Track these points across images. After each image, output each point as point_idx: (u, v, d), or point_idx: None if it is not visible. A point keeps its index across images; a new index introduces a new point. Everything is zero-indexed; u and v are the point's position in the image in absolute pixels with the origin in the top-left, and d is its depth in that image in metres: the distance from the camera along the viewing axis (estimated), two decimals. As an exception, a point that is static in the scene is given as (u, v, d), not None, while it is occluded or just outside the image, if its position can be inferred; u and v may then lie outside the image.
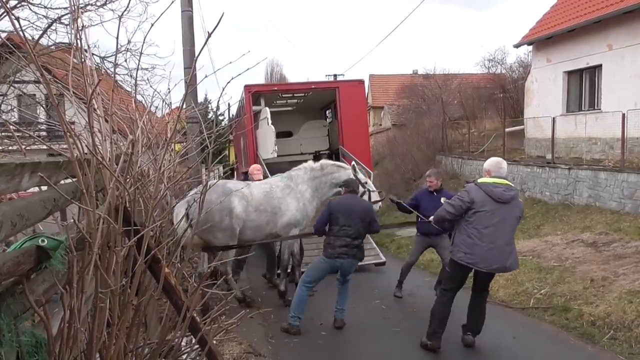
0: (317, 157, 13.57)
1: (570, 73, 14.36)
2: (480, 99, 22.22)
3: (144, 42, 3.53)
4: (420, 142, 20.94)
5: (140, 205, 2.81)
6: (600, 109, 13.05)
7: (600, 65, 13.03)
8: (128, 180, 2.65)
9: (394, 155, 21.69)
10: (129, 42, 5.71)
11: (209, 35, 2.05)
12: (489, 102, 21.94)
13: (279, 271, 7.61)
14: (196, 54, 3.38)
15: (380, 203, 6.72)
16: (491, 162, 4.83)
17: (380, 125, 31.21)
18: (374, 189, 6.77)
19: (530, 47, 16.54)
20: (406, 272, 7.02)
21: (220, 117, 29.18)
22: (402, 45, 71.70)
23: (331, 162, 6.97)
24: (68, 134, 1.86)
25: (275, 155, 10.17)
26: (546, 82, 15.13)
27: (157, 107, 3.50)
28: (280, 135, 12.16)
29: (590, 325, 5.45)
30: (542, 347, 5.06)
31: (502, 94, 21.09)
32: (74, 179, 2.14)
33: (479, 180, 4.71)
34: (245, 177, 8.33)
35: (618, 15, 11.95)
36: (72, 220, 2.12)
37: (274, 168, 10.76)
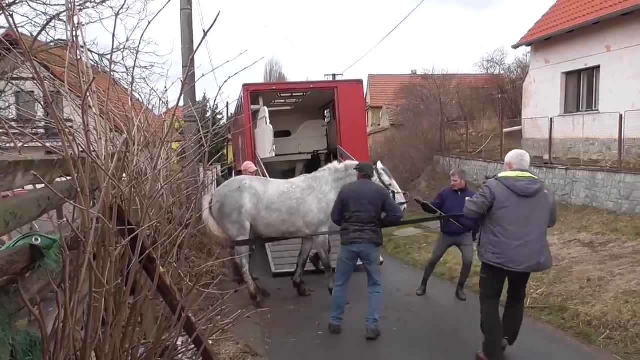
0: (315, 156, 13.59)
1: (568, 74, 14.36)
2: (478, 100, 22.21)
3: (141, 40, 3.51)
4: (419, 142, 20.95)
5: (137, 205, 2.80)
6: (598, 110, 13.06)
7: (599, 67, 13.04)
8: (124, 179, 2.63)
9: (392, 155, 21.69)
10: (127, 40, 5.68)
11: (205, 33, 2.04)
12: (487, 103, 21.93)
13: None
14: (194, 53, 3.37)
15: (405, 205, 6.65)
16: (513, 154, 4.53)
17: (379, 125, 31.20)
18: (399, 190, 6.70)
19: (529, 48, 16.55)
20: (430, 271, 7.07)
21: (219, 116, 29.16)
22: (401, 45, 71.80)
23: (356, 162, 6.94)
24: (62, 132, 1.84)
25: (274, 155, 10.17)
26: (544, 83, 15.13)
27: (154, 106, 3.48)
28: (278, 134, 12.14)
29: (586, 325, 5.45)
30: (539, 347, 5.05)
31: (500, 94, 21.09)
32: (68, 178, 2.12)
33: (500, 175, 4.40)
34: (239, 175, 8.42)
35: (616, 16, 11.96)
36: (65, 220, 2.10)
37: (271, 167, 10.76)
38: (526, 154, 4.54)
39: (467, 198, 5.66)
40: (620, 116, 11.04)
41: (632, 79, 11.79)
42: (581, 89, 14.09)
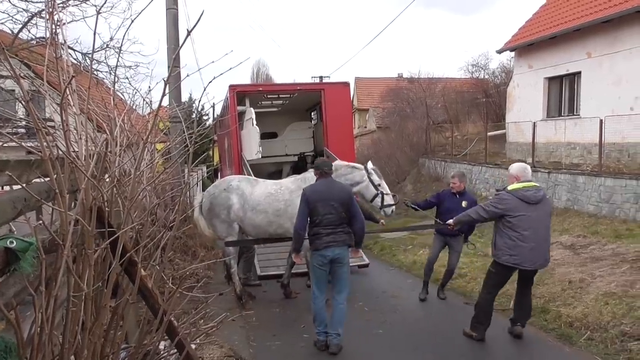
0: (301, 158, 13.56)
1: (550, 79, 14.56)
2: (463, 103, 22.41)
3: (124, 38, 3.44)
4: (404, 145, 21.04)
5: (119, 206, 2.73)
6: (579, 115, 13.25)
7: (580, 72, 13.25)
8: (107, 180, 2.57)
9: (378, 157, 21.72)
10: (111, 39, 5.59)
11: (189, 32, 1.99)
12: (472, 107, 22.14)
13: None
14: (179, 52, 3.31)
15: (394, 207, 6.52)
16: (518, 168, 5.15)
17: (365, 127, 31.30)
18: (388, 191, 6.52)
19: (513, 53, 16.72)
20: (429, 272, 6.90)
21: (205, 117, 29.00)
22: (388, 48, 72.12)
23: (345, 163, 6.76)
24: (40, 131, 1.78)
25: (260, 157, 10.09)
26: (527, 88, 15.32)
27: (137, 106, 3.41)
28: (264, 136, 12.07)
29: (568, 326, 5.50)
30: (521, 348, 5.08)
31: (485, 98, 21.30)
32: (47, 179, 2.06)
33: (510, 188, 5.00)
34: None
35: (597, 24, 12.16)
36: (41, 222, 2.04)
37: (258, 169, 10.69)
38: (528, 166, 5.23)
39: (464, 202, 5.88)
40: (601, 121, 11.21)
41: (612, 86, 11.99)
42: (563, 94, 14.30)
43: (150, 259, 3.00)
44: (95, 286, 2.19)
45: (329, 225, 4.98)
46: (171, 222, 3.41)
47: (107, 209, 2.47)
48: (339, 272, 5.11)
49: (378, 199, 6.39)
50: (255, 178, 7.08)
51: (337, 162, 6.73)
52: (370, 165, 6.64)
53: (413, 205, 6.66)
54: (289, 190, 6.53)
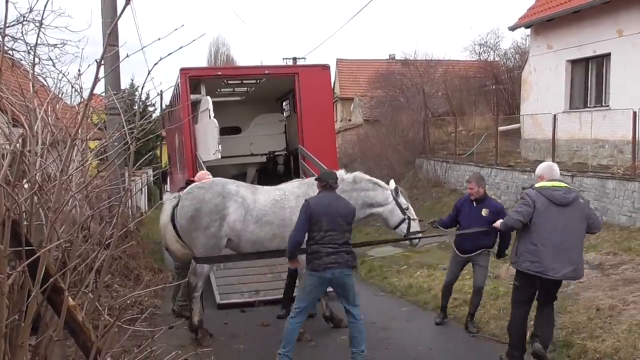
0: (271, 158, 13.59)
1: (574, 62, 14.82)
2: (469, 91, 22.74)
3: (45, 9, 3.38)
4: (398, 142, 21.23)
5: (41, 219, 2.71)
6: (608, 106, 13.49)
7: (609, 54, 13.46)
8: (25, 186, 2.54)
9: (365, 157, 21.92)
10: (30, 9, 5.51)
11: (128, 1, 1.99)
12: (480, 95, 22.48)
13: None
14: (117, 26, 3.30)
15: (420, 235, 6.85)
16: (543, 167, 5.60)
17: (350, 120, 31.50)
18: (415, 216, 6.86)
19: (529, 31, 17.04)
20: (447, 295, 7.15)
21: (150, 108, 28.84)
22: (377, 24, 72.62)
23: (367, 176, 7.06)
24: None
25: (219, 157, 10.07)
26: (546, 73, 15.60)
27: (63, 94, 3.38)
28: (225, 131, 12.05)
29: (595, 363, 5.60)
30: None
31: (495, 85, 21.64)
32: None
33: (537, 185, 5.37)
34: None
35: (630, -5, 12.40)
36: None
37: (216, 172, 10.64)
38: (555, 165, 5.68)
39: (484, 210, 6.50)
40: (634, 114, 11.37)
41: (648, 70, 12.22)
42: (589, 80, 14.53)
43: (81, 284, 2.97)
44: (9, 320, 2.17)
45: (330, 244, 5.40)
46: (108, 238, 3.38)
47: (25, 222, 2.45)
48: (344, 294, 5.62)
49: (404, 226, 6.66)
50: (251, 184, 7.17)
51: (358, 174, 7.02)
52: (393, 184, 6.93)
53: (441, 227, 7.06)
54: (294, 196, 6.67)
